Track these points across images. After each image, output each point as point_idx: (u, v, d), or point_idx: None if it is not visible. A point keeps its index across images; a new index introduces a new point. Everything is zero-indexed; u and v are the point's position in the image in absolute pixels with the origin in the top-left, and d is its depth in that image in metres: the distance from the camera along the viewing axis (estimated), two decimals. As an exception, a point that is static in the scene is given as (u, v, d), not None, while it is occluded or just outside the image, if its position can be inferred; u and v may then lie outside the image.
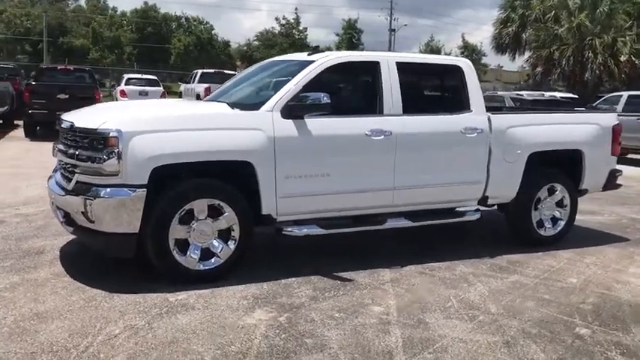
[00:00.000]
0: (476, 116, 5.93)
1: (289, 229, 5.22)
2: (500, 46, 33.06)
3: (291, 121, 5.05)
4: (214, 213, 4.85)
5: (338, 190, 5.27)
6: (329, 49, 63.95)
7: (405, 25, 72.31)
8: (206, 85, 22.35)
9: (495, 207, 6.46)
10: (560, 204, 6.56)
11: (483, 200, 6.12)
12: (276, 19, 52.05)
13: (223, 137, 4.80)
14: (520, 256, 5.98)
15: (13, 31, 56.92)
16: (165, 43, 60.22)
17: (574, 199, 6.62)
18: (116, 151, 4.47)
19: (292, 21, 52.10)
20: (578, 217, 6.77)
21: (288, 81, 5.29)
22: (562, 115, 6.87)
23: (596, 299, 4.86)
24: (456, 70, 6.03)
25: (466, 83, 5.98)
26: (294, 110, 5.04)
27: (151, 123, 4.71)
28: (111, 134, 4.50)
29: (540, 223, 6.47)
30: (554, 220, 6.56)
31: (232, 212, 4.87)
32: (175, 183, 4.74)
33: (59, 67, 19.50)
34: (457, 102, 6.04)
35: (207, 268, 4.85)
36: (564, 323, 4.33)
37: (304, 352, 3.67)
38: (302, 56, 5.89)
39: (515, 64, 65.78)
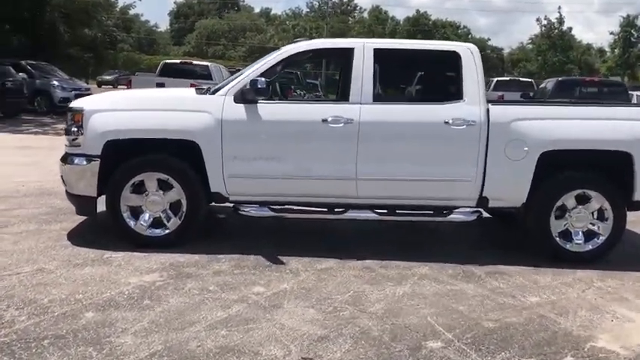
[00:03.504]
0: (468, 106, 5.36)
1: (246, 209, 5.45)
2: None
3: (242, 105, 5.28)
4: (165, 186, 5.36)
5: (289, 175, 5.32)
6: (601, 50, 58.57)
7: None
8: (500, 93, 20.23)
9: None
10: (600, 216, 5.49)
11: (482, 201, 5.48)
12: (537, 20, 48.31)
13: (170, 117, 5.27)
14: (515, 269, 5.22)
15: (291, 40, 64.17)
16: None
17: (620, 211, 5.47)
18: (79, 125, 5.28)
19: (554, 21, 47.58)
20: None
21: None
22: (598, 109, 5.70)
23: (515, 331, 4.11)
24: (452, 57, 5.51)
25: (461, 71, 5.43)
26: (243, 95, 5.27)
27: (110, 103, 5.44)
28: (77, 111, 5.34)
29: (566, 236, 5.50)
30: (590, 235, 5.51)
31: (179, 187, 5.32)
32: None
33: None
34: (447, 91, 5.54)
35: (154, 235, 5.38)
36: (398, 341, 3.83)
37: (138, 307, 3.98)
38: None
39: None
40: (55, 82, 20.03)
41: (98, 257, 5.05)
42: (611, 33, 47.22)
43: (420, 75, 6.27)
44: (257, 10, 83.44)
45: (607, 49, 51.51)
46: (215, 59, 51.19)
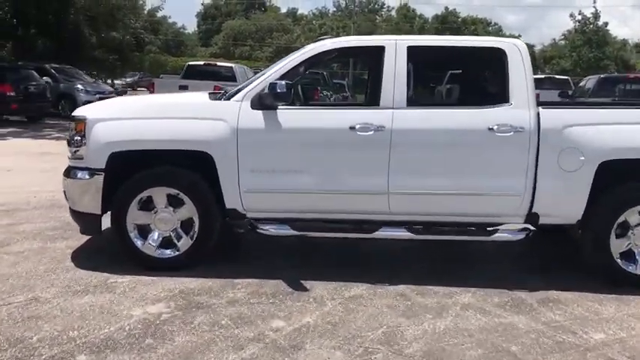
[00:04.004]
0: (516, 111, 4.71)
1: (265, 227, 4.89)
2: None
3: (260, 112, 4.73)
4: (176, 203, 4.83)
5: (313, 189, 4.75)
6: (638, 45, 56.65)
7: None
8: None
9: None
10: (672, 235, 4.78)
11: (531, 218, 4.83)
12: (571, 15, 46.28)
13: (180, 126, 4.74)
14: (571, 296, 4.56)
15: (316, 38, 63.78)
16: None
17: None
18: (82, 135, 4.79)
19: (590, 16, 45.32)
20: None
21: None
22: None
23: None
24: (496, 55, 4.86)
25: (508, 70, 4.79)
26: (261, 100, 4.71)
27: (116, 111, 4.93)
28: (79, 120, 4.84)
29: (629, 257, 4.81)
30: (658, 256, 4.82)
31: (191, 203, 4.79)
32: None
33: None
34: (491, 93, 4.91)
35: (164, 256, 4.86)
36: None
37: (139, 349, 3.45)
38: None
39: None
40: (79, 86, 19.82)
41: (101, 282, 4.55)
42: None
43: (459, 75, 5.62)
44: (284, 10, 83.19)
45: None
46: (242, 60, 50.98)
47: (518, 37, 69.81)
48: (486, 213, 4.83)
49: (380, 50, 4.85)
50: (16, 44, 23.19)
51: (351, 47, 5.15)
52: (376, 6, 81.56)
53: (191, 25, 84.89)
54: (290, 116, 4.75)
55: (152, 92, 16.75)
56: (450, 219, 4.88)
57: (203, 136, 4.70)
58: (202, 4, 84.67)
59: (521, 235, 4.86)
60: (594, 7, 42.18)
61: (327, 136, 4.72)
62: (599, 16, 41.81)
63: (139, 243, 4.84)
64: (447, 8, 76.66)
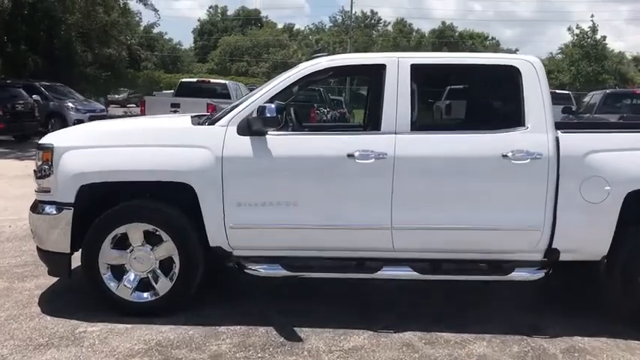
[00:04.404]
0: (532, 135, 4.23)
1: (254, 267, 4.37)
2: None
3: (248, 138, 4.24)
4: (154, 240, 4.32)
5: (307, 224, 4.25)
6: (636, 59, 56.40)
7: None
8: None
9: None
10: None
11: (551, 253, 4.32)
12: (569, 28, 45.64)
13: (158, 155, 4.24)
14: (598, 343, 4.05)
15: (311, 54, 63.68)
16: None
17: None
18: (49, 165, 4.29)
19: (588, 29, 44.66)
20: None
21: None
22: None
23: None
24: (509, 74, 4.38)
25: (522, 90, 4.31)
26: (249, 125, 4.22)
27: (87, 138, 4.44)
28: (45, 148, 4.35)
29: (662, 298, 4.31)
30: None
31: (171, 241, 4.27)
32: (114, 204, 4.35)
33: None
34: (504, 116, 4.44)
35: (140, 301, 4.34)
36: None
37: None
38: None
39: None
40: (70, 104, 19.32)
41: (68, 332, 4.02)
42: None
43: (468, 96, 5.11)
44: (280, 25, 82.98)
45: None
46: (238, 76, 50.59)
47: (515, 51, 69.74)
48: (501, 249, 4.33)
49: (380, 69, 4.37)
50: (5, 61, 22.72)
51: (349, 66, 4.67)
52: (372, 21, 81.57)
53: (187, 42, 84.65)
54: (281, 143, 4.26)
55: (143, 110, 16.25)
56: (460, 256, 4.38)
57: (184, 166, 4.20)
58: (199, 20, 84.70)
59: (540, 274, 4.35)
60: (592, 20, 41.81)
61: (322, 164, 4.23)
62: (597, 30, 41.55)
63: (112, 285, 4.31)
64: (444, 23, 76.82)
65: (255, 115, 4.19)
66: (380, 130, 4.27)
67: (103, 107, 22.09)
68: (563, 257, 4.33)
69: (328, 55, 4.67)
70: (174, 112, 15.40)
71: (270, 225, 4.26)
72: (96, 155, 4.26)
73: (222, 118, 4.36)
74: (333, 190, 4.26)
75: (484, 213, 4.23)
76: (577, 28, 42.39)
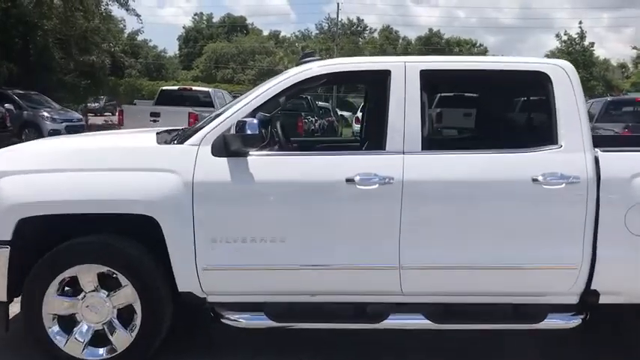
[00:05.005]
0: (567, 155, 3.52)
1: (233, 316, 3.60)
2: None
3: (224, 159, 3.48)
4: (111, 285, 3.54)
5: (297, 264, 3.51)
6: (623, 66, 56.42)
7: None
8: None
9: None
10: None
11: (589, 297, 3.61)
12: (557, 35, 45.38)
13: (114, 181, 3.48)
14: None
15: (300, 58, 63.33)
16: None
17: None
18: (-21, 195, 3.49)
19: (575, 36, 44.26)
20: None
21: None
22: None
23: None
24: (537, 81, 3.68)
25: (554, 101, 3.60)
26: (227, 144, 3.47)
27: (27, 161, 3.66)
28: (-24, 174, 3.55)
29: None
30: None
31: (131, 286, 3.50)
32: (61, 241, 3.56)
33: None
34: (534, 132, 3.77)
35: (95, 359, 3.55)
36: None
37: None
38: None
39: None
40: (45, 113, 18.41)
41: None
42: (634, 48, 45.27)
43: (490, 109, 4.37)
44: (266, 32, 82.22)
45: (630, 65, 49.48)
46: (223, 83, 49.78)
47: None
48: (530, 291, 3.62)
49: (384, 76, 3.64)
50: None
51: (346, 72, 3.90)
52: (359, 28, 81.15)
53: (172, 49, 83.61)
54: (266, 165, 3.52)
55: (121, 120, 15.40)
56: (481, 300, 3.64)
57: (145, 195, 3.44)
58: (184, 27, 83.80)
59: (577, 320, 3.64)
60: (580, 27, 41.63)
61: (316, 191, 3.49)
62: (585, 37, 41.34)
63: (59, 340, 3.53)
64: (430, 30, 76.70)
65: (233, 131, 3.44)
66: (385, 148, 3.54)
67: (81, 117, 21.17)
68: (604, 300, 3.62)
69: (320, 59, 3.93)
70: (154, 121, 14.62)
71: (252, 266, 3.51)
72: (38, 182, 3.48)
73: (193, 135, 3.60)
74: (329, 222, 3.52)
75: (510, 248, 3.51)
76: (565, 34, 42.19)
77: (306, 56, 3.97)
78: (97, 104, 34.34)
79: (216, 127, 3.57)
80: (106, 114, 30.35)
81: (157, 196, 3.42)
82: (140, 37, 61.29)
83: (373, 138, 3.90)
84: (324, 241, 3.51)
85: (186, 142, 3.58)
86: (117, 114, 19.26)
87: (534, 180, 3.46)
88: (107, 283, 3.54)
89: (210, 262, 3.48)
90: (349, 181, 3.45)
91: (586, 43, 41.76)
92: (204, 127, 3.64)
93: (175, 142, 3.68)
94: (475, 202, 3.50)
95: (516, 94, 4.01)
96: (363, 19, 79.51)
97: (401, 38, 78.44)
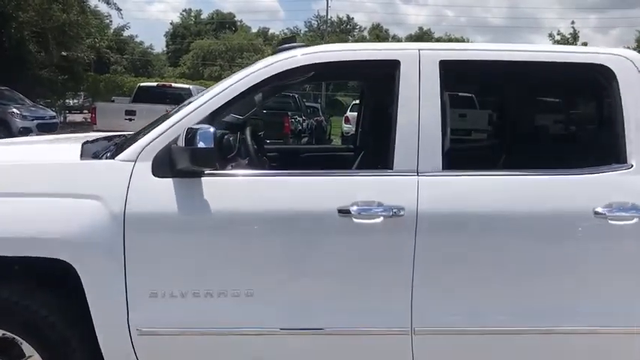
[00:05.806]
0: (640, 178, 2.57)
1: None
2: None
3: (170, 180, 2.49)
4: (14, 353, 2.54)
5: (270, 327, 2.53)
6: None
7: None
8: None
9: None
10: None
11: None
12: (550, 35, 44.69)
13: (16, 211, 2.47)
14: None
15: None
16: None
17: None
18: None
19: (569, 36, 43.35)
20: None
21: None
22: None
23: None
24: (596, 78, 2.73)
25: (620, 104, 2.64)
26: (172, 161, 2.47)
27: None
28: None
29: None
30: None
31: (37, 355, 2.50)
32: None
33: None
34: (593, 146, 2.76)
35: None
36: None
37: None
38: None
39: None
40: (15, 110, 17.26)
41: None
42: (627, 48, 44.78)
43: (534, 114, 3.37)
44: (254, 30, 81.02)
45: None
46: (210, 80, 48.60)
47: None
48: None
49: (391, 68, 2.66)
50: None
51: (340, 63, 2.84)
52: (348, 26, 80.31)
53: (160, 45, 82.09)
54: (227, 189, 2.54)
55: (94, 119, 14.33)
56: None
57: (56, 230, 2.44)
58: (171, 24, 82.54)
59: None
60: (573, 27, 41.01)
61: (297, 226, 2.51)
62: (579, 37, 40.69)
63: None
64: (421, 28, 76.14)
65: (181, 142, 2.44)
66: (391, 167, 2.56)
67: (54, 114, 20.01)
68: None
69: (304, 46, 2.94)
70: (130, 120, 13.60)
71: (208, 330, 2.52)
72: None
73: (128, 147, 2.60)
74: (314, 268, 2.55)
75: (563, 305, 2.56)
76: (558, 34, 41.57)
77: (285, 42, 2.97)
78: (75, 101, 33.07)
79: (158, 136, 2.57)
80: (84, 111, 29.16)
81: (72, 233, 2.42)
82: (126, 33, 60.09)
83: (375, 152, 2.91)
84: (306, 295, 2.53)
85: (117, 157, 2.58)
86: (91, 112, 18.18)
87: (596, 213, 2.51)
88: (8, 352, 2.54)
89: (149, 325, 2.50)
90: (343, 212, 2.47)
91: (579, 43, 41.08)
92: (140, 137, 2.64)
93: (105, 156, 2.68)
94: (514, 242, 2.55)
95: (569, 94, 3.04)
96: (352, 18, 78.81)
97: (391, 37, 77.63)
